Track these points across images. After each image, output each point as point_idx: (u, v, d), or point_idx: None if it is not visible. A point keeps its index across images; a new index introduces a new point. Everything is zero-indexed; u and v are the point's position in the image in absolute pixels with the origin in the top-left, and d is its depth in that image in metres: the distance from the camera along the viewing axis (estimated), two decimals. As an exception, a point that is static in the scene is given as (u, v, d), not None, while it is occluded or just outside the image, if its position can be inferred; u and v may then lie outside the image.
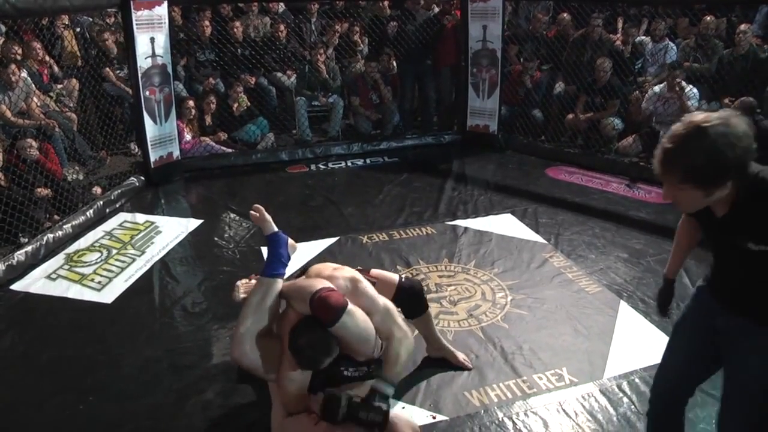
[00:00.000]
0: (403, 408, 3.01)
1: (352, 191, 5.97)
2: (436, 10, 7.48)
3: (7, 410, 3.17)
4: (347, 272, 2.75)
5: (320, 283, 2.54)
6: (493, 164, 6.72)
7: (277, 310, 2.68)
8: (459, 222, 5.12)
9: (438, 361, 3.32)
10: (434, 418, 2.95)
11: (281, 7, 8.44)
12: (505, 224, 5.04)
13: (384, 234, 4.93)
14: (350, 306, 2.48)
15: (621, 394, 3.05)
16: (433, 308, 3.80)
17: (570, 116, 6.86)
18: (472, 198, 5.66)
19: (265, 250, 4.57)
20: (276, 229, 2.80)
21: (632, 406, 2.96)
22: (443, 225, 5.07)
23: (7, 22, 6.53)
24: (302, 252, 4.60)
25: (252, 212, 2.83)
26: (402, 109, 7.45)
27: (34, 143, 5.38)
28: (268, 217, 2.81)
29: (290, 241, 2.87)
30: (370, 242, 4.81)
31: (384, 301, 2.69)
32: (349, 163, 6.81)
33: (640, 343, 3.45)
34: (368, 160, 6.89)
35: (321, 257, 4.56)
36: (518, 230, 4.93)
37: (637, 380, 3.14)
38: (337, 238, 4.86)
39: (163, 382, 3.28)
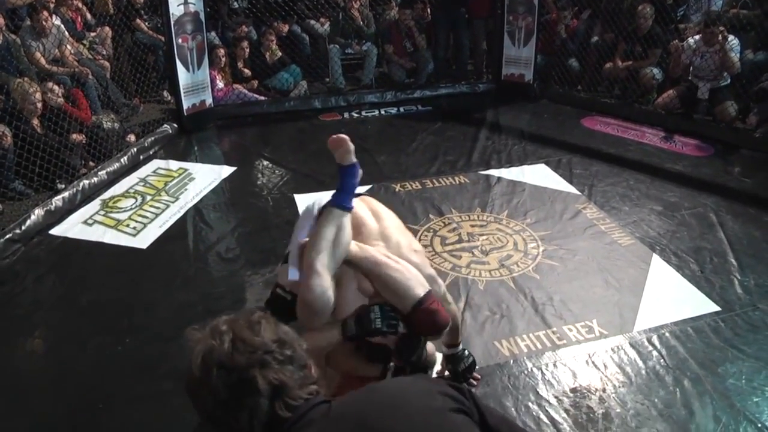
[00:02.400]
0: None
1: (385, 139, 5.94)
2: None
3: (52, 350, 3.30)
4: (417, 257, 2.45)
5: (422, 287, 2.23)
6: (527, 114, 6.62)
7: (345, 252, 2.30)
8: (492, 171, 5.08)
9: (469, 310, 3.36)
10: (464, 366, 2.99)
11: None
12: (539, 174, 4.99)
13: (417, 183, 4.92)
14: None
15: (650, 348, 3.04)
16: (464, 258, 3.86)
17: (608, 65, 6.68)
18: (505, 147, 5.60)
19: (298, 198, 4.69)
20: (355, 160, 2.48)
21: (661, 360, 2.95)
22: (476, 174, 5.04)
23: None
24: (335, 200, 4.64)
25: (334, 138, 2.46)
26: (436, 58, 7.33)
27: (56, 88, 5.40)
28: (352, 147, 2.47)
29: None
30: (403, 191, 4.80)
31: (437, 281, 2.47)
32: (383, 112, 6.76)
33: (671, 297, 3.43)
34: (402, 109, 6.82)
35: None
36: (552, 181, 4.88)
37: (667, 334, 3.13)
38: (369, 186, 4.85)
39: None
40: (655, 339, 3.10)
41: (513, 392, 2.81)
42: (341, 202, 2.33)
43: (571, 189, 4.74)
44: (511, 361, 2.99)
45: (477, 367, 2.82)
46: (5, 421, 2.88)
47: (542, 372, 2.92)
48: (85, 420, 2.83)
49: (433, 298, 2.22)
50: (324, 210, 2.32)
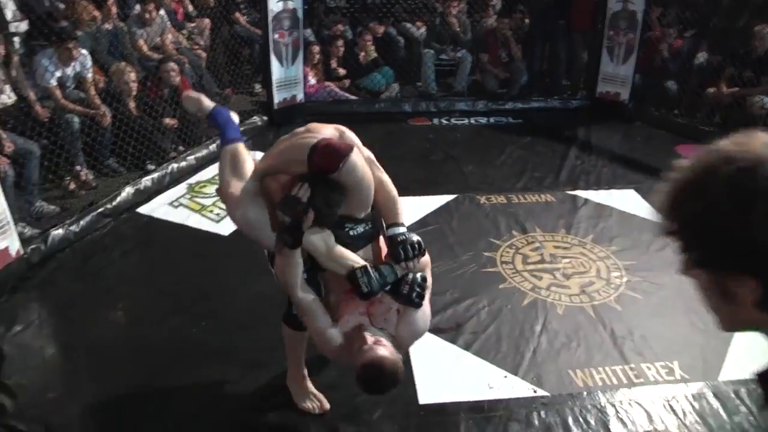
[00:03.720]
0: (505, 377, 3.03)
1: (473, 149, 5.88)
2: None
3: (134, 323, 3.46)
4: (329, 128, 2.62)
5: (313, 138, 2.34)
6: (620, 135, 6.42)
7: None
8: (579, 192, 4.96)
9: (546, 334, 3.32)
10: (535, 391, 2.94)
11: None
12: (628, 200, 4.84)
13: (502, 196, 4.86)
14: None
15: (738, 402, 2.88)
16: (545, 279, 3.80)
17: (712, 90, 6.38)
18: (594, 169, 5.46)
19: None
20: (212, 104, 2.93)
21: (750, 417, 2.80)
22: (563, 194, 4.94)
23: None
24: (419, 206, 4.66)
25: (185, 95, 3.05)
26: (531, 69, 7.22)
27: (176, 67, 5.63)
28: (199, 96, 2.99)
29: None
30: (488, 203, 4.76)
31: (365, 149, 2.60)
32: (473, 121, 6.69)
33: (765, 349, 3.26)
34: (492, 119, 6.74)
35: (438, 213, 4.60)
36: (641, 208, 4.72)
37: (759, 390, 2.97)
38: (455, 196, 4.83)
39: (271, 319, 3.25)
40: (743, 392, 2.94)
41: (583, 425, 2.76)
42: (226, 139, 2.77)
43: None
44: (585, 393, 2.93)
45: (534, 393, 2.80)
46: (79, 385, 3.05)
47: (616, 409, 2.84)
48: (153, 395, 2.97)
49: (327, 139, 2.33)
50: (220, 153, 2.78)
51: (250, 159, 2.68)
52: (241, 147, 2.71)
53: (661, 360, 3.14)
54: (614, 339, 3.28)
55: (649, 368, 3.09)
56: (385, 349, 2.28)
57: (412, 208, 4.63)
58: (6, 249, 3.80)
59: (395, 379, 2.27)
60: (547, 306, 3.56)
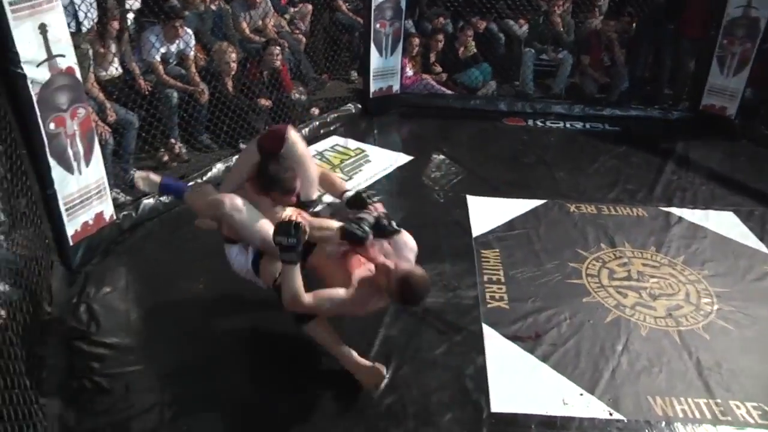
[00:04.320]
0: (581, 395, 2.98)
1: (566, 154, 5.77)
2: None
3: (214, 298, 3.63)
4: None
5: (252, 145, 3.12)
6: (722, 152, 6.09)
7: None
8: (674, 210, 4.78)
9: (627, 354, 3.24)
10: (611, 414, 2.87)
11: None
12: (725, 223, 4.63)
13: (593, 206, 4.74)
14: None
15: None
16: (630, 297, 3.70)
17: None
18: (692, 186, 5.24)
19: (470, 200, 4.70)
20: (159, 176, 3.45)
21: None
22: (656, 209, 4.78)
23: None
24: (508, 208, 4.63)
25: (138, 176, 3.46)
26: (632, 75, 7.00)
27: (278, 52, 5.75)
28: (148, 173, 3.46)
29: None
30: (577, 212, 4.66)
31: None
32: (568, 125, 6.55)
33: None
34: (588, 125, 6.57)
35: (526, 217, 4.55)
36: (739, 233, 4.50)
37: None
38: (544, 201, 4.76)
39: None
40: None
41: (660, 456, 2.69)
42: (184, 192, 3.44)
43: (761, 247, 4.33)
44: (663, 423, 2.84)
45: (610, 416, 2.78)
46: (158, 352, 3.24)
47: (697, 445, 2.76)
48: (224, 369, 3.13)
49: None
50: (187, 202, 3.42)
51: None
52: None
53: (752, 400, 2.97)
54: (699, 369, 3.16)
55: (738, 407, 2.94)
56: (407, 264, 2.83)
57: (500, 210, 4.62)
58: (101, 213, 4.00)
59: (427, 284, 2.77)
60: (630, 325, 3.46)
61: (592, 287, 3.77)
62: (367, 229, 2.86)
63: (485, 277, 3.85)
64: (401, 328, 3.40)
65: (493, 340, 3.34)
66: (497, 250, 4.15)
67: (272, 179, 2.95)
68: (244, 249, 3.15)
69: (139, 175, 3.48)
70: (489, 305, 3.60)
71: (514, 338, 3.35)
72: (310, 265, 2.96)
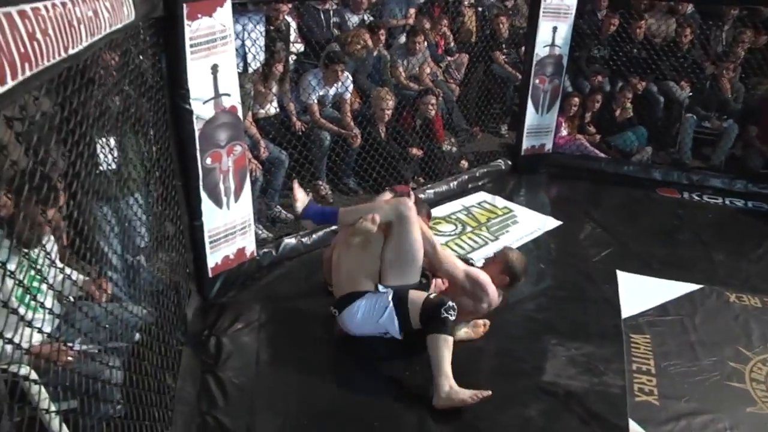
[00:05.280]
0: None
1: (725, 235, 5.34)
2: None
3: (348, 352, 3.61)
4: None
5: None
6: None
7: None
8: None
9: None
10: None
11: (690, 7, 7.74)
12: None
13: (757, 299, 4.33)
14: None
15: None
16: None
17: None
18: None
19: (620, 276, 4.46)
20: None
21: None
22: (832, 309, 4.32)
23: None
24: (660, 290, 4.34)
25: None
26: (806, 151, 6.47)
27: (434, 101, 5.77)
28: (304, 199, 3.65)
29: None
30: (738, 303, 4.28)
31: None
32: (727, 201, 6.09)
33: None
34: (750, 203, 6.06)
35: (680, 302, 4.23)
36: None
37: None
38: (700, 287, 4.40)
39: (486, 382, 3.28)
40: None
41: None
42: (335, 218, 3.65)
43: None
44: None
45: None
46: (285, 397, 3.23)
47: None
48: (345, 425, 3.13)
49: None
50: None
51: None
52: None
53: None
54: None
55: None
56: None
57: (653, 291, 4.34)
58: (243, 248, 4.12)
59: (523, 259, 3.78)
60: (798, 445, 3.12)
61: (758, 396, 3.41)
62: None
63: (634, 366, 3.60)
64: (541, 409, 3.24)
65: (640, 439, 3.09)
66: (648, 336, 3.88)
67: None
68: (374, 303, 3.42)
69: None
70: (637, 398, 3.36)
71: (664, 441, 3.10)
72: None
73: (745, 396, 3.41)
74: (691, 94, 6.94)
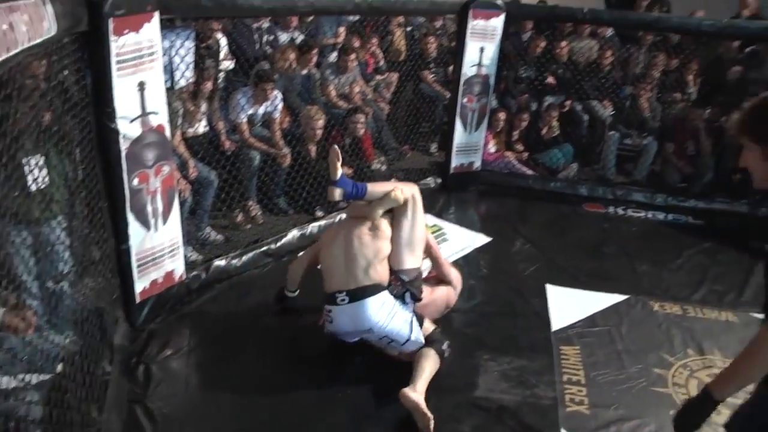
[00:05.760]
0: None
1: (649, 247, 5.53)
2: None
3: (279, 371, 3.55)
4: None
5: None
6: (820, 255, 5.78)
7: None
8: (766, 317, 4.52)
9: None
10: None
11: (610, 31, 8.06)
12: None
13: (678, 306, 4.51)
14: None
15: None
16: (723, 415, 3.35)
17: None
18: (788, 291, 4.96)
19: (550, 289, 4.55)
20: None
21: None
22: (747, 315, 4.47)
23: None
24: (588, 302, 4.45)
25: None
26: (719, 167, 6.76)
27: (363, 120, 5.78)
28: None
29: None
30: (662, 311, 4.44)
31: None
32: (650, 215, 6.32)
33: None
34: (670, 216, 6.32)
35: (607, 313, 4.35)
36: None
37: None
38: (626, 297, 4.55)
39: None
40: None
41: None
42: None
43: None
44: None
45: None
46: (218, 425, 3.08)
47: None
48: None
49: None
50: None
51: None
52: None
53: None
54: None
55: None
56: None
57: (581, 303, 4.45)
58: (172, 272, 4.02)
59: None
60: (724, 447, 3.23)
61: (680, 399, 3.52)
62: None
63: (565, 377, 3.68)
64: (474, 425, 3.26)
65: (572, 448, 3.15)
66: (578, 347, 3.98)
67: None
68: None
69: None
70: (568, 408, 3.43)
71: (597, 450, 3.17)
72: None
73: (668, 400, 3.53)
74: (613, 112, 7.19)
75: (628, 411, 3.43)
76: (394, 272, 3.51)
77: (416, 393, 3.18)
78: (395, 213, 3.63)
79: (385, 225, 3.58)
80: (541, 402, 3.47)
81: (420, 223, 3.64)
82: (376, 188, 3.65)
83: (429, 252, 3.88)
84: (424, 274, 3.89)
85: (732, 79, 6.89)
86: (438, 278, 4.04)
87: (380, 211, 3.61)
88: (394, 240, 3.56)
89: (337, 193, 3.61)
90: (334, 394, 3.40)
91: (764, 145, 1.93)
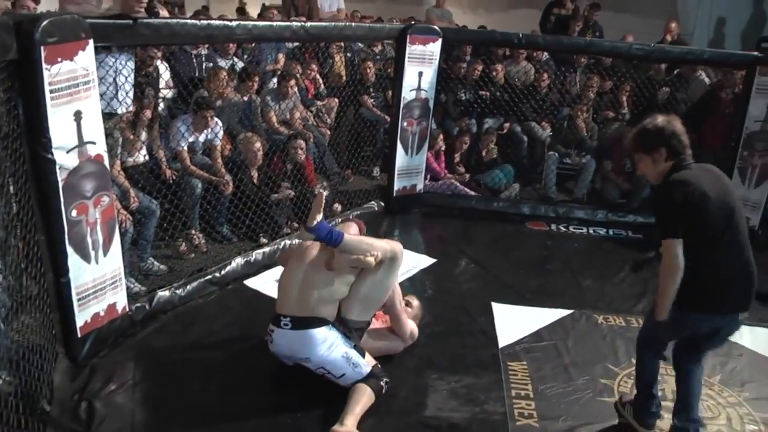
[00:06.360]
0: None
1: (591, 262, 5.65)
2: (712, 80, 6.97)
3: (228, 401, 3.45)
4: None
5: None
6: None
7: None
8: (705, 325, 4.64)
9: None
10: None
11: (545, 55, 8.31)
12: (762, 341, 4.42)
13: (621, 318, 4.60)
14: None
15: None
16: (666, 420, 3.47)
17: None
18: (722, 299, 5.11)
19: (495, 307, 4.59)
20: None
21: None
22: (687, 324, 4.64)
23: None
24: (534, 318, 4.49)
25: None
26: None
27: (304, 146, 5.77)
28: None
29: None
30: (605, 324, 4.52)
31: None
32: (591, 231, 6.48)
33: None
34: (611, 231, 6.49)
35: (553, 328, 4.40)
36: (776, 352, 4.31)
37: None
38: (571, 311, 4.62)
39: (369, 421, 3.29)
40: None
41: None
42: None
43: (802, 367, 4.12)
44: None
45: None
46: None
47: None
48: None
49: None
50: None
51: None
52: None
53: None
54: (747, 504, 2.97)
55: None
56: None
57: (527, 319, 4.49)
58: (114, 304, 3.90)
59: None
60: (668, 454, 3.28)
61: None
62: None
63: (513, 392, 3.69)
64: (424, 444, 3.26)
65: (524, 462, 3.15)
66: (525, 362, 4.00)
67: None
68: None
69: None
70: (518, 422, 3.43)
71: (547, 461, 3.18)
72: None
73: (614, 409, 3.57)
74: (551, 133, 7.37)
75: (576, 421, 3.45)
76: (341, 316, 3.49)
77: (345, 428, 3.14)
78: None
79: (352, 270, 3.50)
80: (491, 418, 3.46)
81: (386, 286, 3.57)
82: (353, 243, 3.46)
83: (390, 311, 3.84)
84: (375, 325, 3.87)
85: (662, 99, 7.14)
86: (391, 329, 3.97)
87: (344, 265, 3.47)
88: (353, 290, 3.49)
89: (306, 236, 3.54)
90: (284, 420, 3.34)
91: (650, 154, 2.94)
